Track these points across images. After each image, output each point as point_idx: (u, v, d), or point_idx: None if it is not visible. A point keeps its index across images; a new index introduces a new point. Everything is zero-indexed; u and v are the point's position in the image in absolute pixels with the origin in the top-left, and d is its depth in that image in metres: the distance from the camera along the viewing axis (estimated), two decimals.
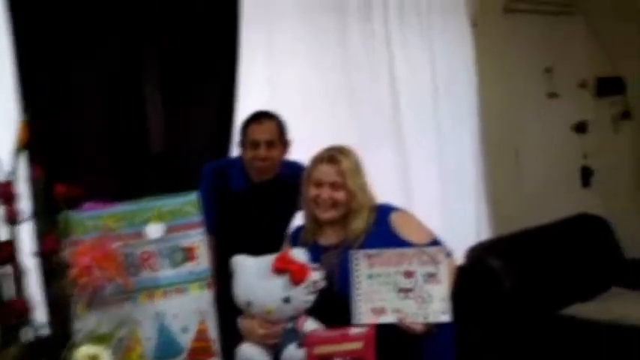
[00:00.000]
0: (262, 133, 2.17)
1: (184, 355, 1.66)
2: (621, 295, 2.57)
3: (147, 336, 1.62)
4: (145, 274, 1.63)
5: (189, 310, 1.65)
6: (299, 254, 1.70)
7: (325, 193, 1.85)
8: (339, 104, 2.80)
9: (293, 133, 2.56)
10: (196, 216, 1.64)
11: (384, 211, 1.90)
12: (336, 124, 2.73)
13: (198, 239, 1.64)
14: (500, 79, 3.33)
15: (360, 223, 1.86)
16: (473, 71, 3.19)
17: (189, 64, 2.31)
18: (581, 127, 3.72)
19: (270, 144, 2.17)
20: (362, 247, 1.81)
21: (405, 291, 1.67)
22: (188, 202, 1.63)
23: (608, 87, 3.81)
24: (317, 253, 1.89)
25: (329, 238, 1.91)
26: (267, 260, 1.70)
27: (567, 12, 3.64)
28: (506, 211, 3.32)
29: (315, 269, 1.67)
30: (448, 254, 1.82)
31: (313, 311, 1.72)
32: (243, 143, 2.21)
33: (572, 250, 2.74)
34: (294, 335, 1.64)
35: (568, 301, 2.54)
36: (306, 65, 2.73)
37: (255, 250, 1.79)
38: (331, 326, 1.68)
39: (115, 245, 1.57)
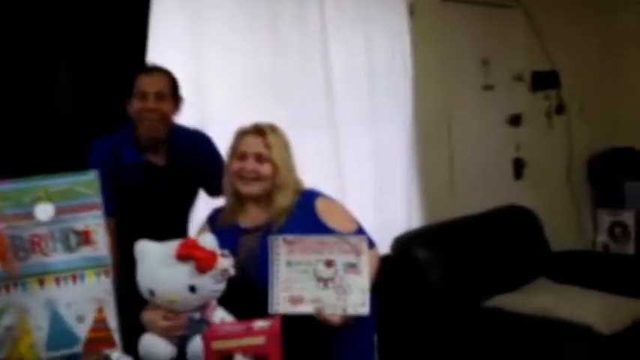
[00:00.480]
0: (151, 84, 2.05)
1: (81, 345, 1.56)
2: (546, 288, 2.58)
3: (38, 325, 1.52)
4: (36, 259, 1.51)
5: (85, 298, 1.55)
6: (207, 240, 1.61)
7: (249, 165, 1.79)
8: (271, 91, 2.70)
9: (222, 119, 2.49)
10: (93, 197, 1.53)
11: (310, 197, 1.85)
12: (266, 111, 2.63)
13: (94, 222, 1.53)
14: (436, 69, 3.30)
15: (284, 201, 1.80)
16: (409, 60, 3.14)
17: (100, 43, 2.17)
18: (515, 120, 3.75)
19: (159, 96, 2.05)
20: (284, 229, 1.75)
21: (325, 280, 1.62)
22: (82, 182, 1.52)
23: (543, 81, 3.85)
24: (236, 235, 1.82)
25: (250, 219, 1.84)
26: (173, 246, 1.60)
27: (505, 4, 3.65)
28: (438, 202, 3.30)
29: (224, 256, 1.58)
30: (371, 245, 1.78)
31: (226, 299, 1.63)
32: (132, 96, 2.07)
33: (500, 241, 2.75)
34: (201, 326, 1.55)
35: (494, 292, 2.54)
36: (237, 49, 2.63)
37: (160, 232, 1.70)
38: (245, 315, 1.59)
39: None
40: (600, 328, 2.17)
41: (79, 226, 1.53)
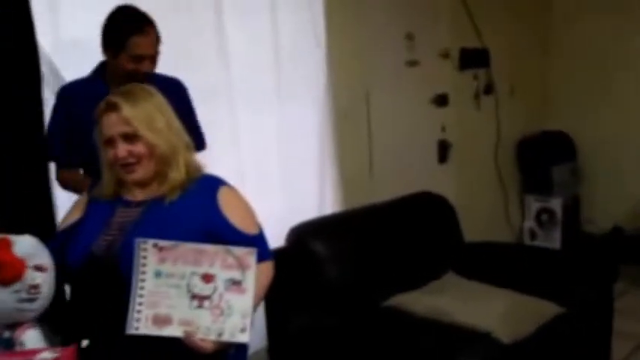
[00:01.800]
0: (148, 48, 1.98)
1: None
2: (451, 285, 2.42)
3: None
4: None
5: None
6: (22, 244, 1.34)
7: (121, 150, 1.53)
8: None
9: None
10: None
11: (214, 182, 1.62)
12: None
13: None
14: (354, 42, 3.08)
15: (176, 174, 1.56)
16: (322, 31, 2.89)
17: None
18: (441, 100, 3.57)
19: (153, 58, 2.00)
20: (177, 204, 1.53)
21: (200, 298, 1.38)
22: None
23: (472, 59, 3.68)
24: (113, 207, 1.59)
25: (137, 194, 1.60)
26: None
27: None
28: (355, 188, 3.11)
29: (37, 269, 1.32)
30: (266, 256, 1.56)
31: (85, 283, 1.47)
32: (118, 51, 1.98)
33: (409, 232, 2.57)
34: (7, 347, 1.31)
35: (400, 289, 2.37)
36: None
37: None
38: (105, 309, 1.43)
39: None
40: (500, 336, 2.03)
41: None
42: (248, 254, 1.41)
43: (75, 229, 1.65)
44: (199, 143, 2.07)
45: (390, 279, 2.42)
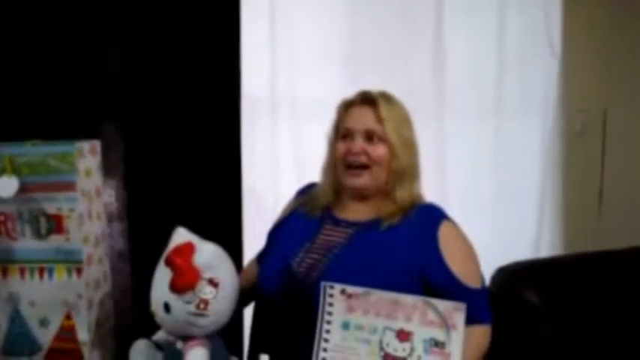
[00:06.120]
0: None
1: (41, 354, 1.48)
2: None
3: None
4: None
5: (51, 299, 1.47)
6: (206, 252, 1.36)
7: (357, 145, 1.55)
8: (363, 64, 2.49)
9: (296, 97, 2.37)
10: (68, 173, 1.41)
11: (437, 214, 1.58)
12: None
13: (68, 206, 1.42)
14: (594, 50, 2.87)
15: (404, 194, 1.56)
16: (558, 37, 2.76)
17: None
18: None
19: None
20: (397, 230, 1.51)
21: (394, 359, 1.31)
22: (57, 154, 1.41)
23: None
24: (319, 223, 1.61)
25: (347, 213, 1.61)
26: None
27: None
28: (580, 226, 2.93)
29: (210, 283, 1.34)
30: (483, 318, 1.49)
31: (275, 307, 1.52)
32: None
33: None
34: (175, 356, 1.37)
35: None
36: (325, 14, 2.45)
37: None
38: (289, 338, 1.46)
39: None
40: None
41: (51, 208, 1.42)
42: (455, 311, 1.29)
43: (274, 237, 1.69)
44: None
45: (628, 353, 2.16)
